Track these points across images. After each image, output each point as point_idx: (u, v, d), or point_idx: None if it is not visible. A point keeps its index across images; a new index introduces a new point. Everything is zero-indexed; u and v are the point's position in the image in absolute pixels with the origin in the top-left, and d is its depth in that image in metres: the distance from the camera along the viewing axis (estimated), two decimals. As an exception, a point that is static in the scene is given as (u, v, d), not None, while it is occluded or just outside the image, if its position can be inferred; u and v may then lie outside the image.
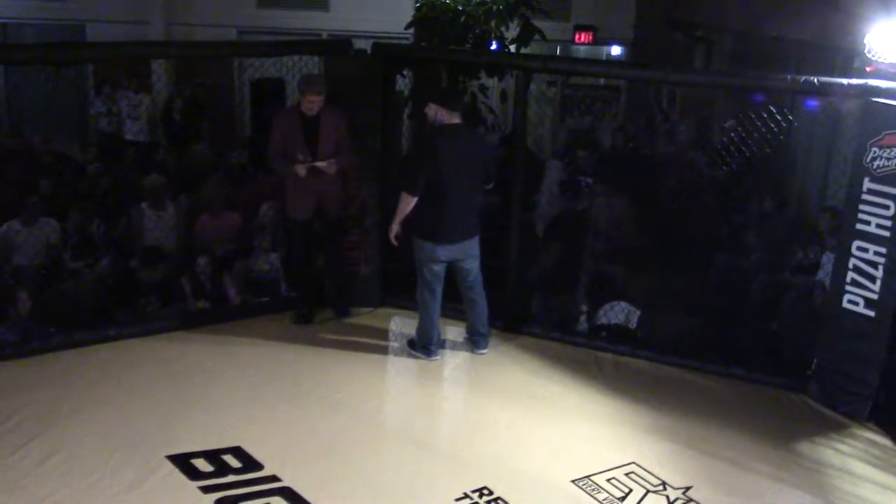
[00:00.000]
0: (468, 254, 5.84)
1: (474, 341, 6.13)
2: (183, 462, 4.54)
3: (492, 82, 8.24)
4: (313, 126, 6.03)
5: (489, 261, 7.38)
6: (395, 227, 5.74)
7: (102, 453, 4.57)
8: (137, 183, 7.68)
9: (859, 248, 5.45)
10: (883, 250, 5.34)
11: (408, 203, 5.64)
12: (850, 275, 5.50)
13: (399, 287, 6.71)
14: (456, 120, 5.70)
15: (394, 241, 5.80)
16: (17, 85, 12.93)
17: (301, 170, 5.97)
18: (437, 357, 5.98)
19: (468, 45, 7.99)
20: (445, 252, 5.75)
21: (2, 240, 6.73)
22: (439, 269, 5.82)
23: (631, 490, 4.62)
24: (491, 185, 5.98)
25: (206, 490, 4.32)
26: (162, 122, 10.79)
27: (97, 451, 4.59)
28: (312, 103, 6.00)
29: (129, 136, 10.68)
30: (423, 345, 5.98)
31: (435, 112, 5.66)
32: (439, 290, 5.88)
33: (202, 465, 4.54)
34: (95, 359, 5.73)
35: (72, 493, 4.22)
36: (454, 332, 6.53)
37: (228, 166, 8.64)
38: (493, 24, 8.06)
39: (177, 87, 10.98)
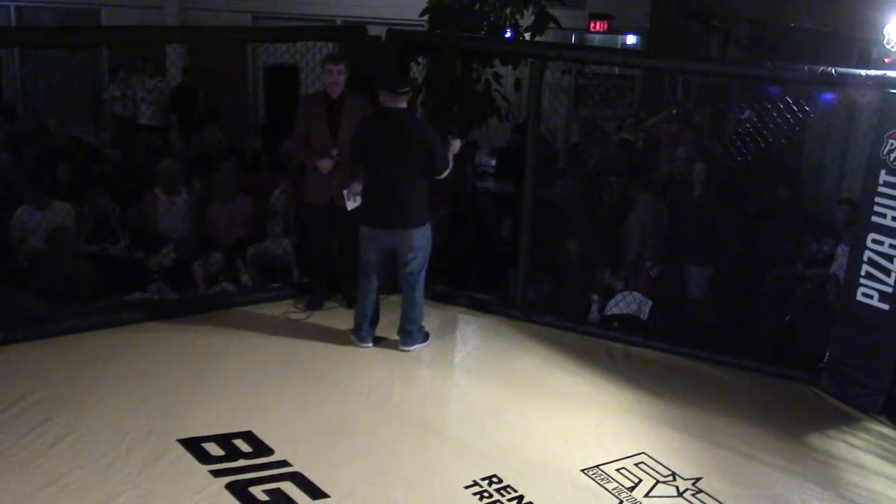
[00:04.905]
0: (405, 245, 5.68)
1: (400, 337, 5.98)
2: (194, 445, 4.57)
3: (506, 70, 8.20)
4: (337, 111, 6.06)
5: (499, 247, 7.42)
6: (344, 191, 5.98)
7: (115, 435, 4.60)
8: (151, 167, 7.70)
9: (874, 241, 5.42)
10: (898, 243, 5.31)
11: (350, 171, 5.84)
12: (865, 267, 5.47)
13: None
14: (399, 104, 5.60)
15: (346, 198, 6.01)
16: (33, 68, 12.97)
17: (325, 165, 6.01)
18: (369, 345, 5.92)
19: (483, 33, 7.96)
20: (380, 237, 5.68)
21: (17, 223, 6.76)
22: (372, 255, 5.75)
23: (641, 480, 4.62)
24: (443, 176, 5.75)
25: (217, 474, 4.34)
26: (170, 108, 10.82)
27: (110, 433, 4.62)
28: (332, 73, 6.02)
29: (143, 121, 10.70)
30: (355, 329, 5.95)
31: (382, 97, 5.63)
32: (373, 276, 5.82)
33: (213, 448, 4.56)
34: (108, 342, 5.77)
35: (84, 474, 4.26)
36: (467, 320, 6.55)
37: (242, 152, 8.66)
38: (508, 11, 8.01)
39: (184, 72, 10.99)
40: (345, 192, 5.98)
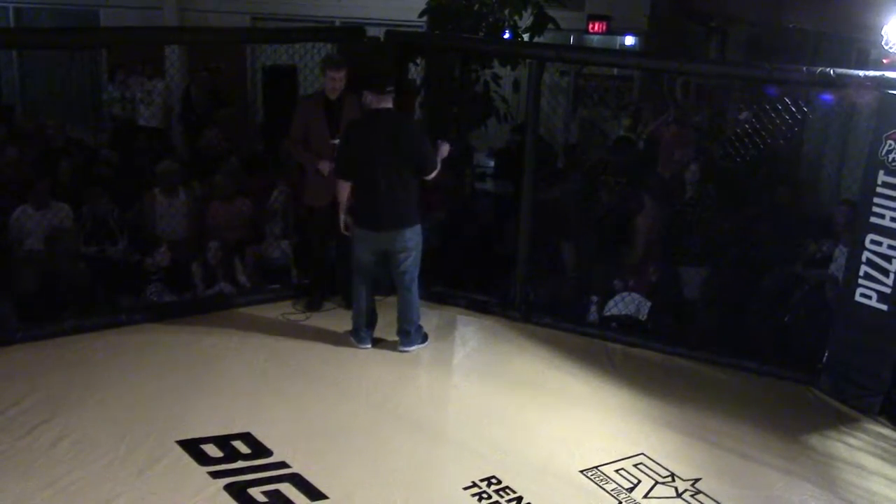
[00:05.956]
0: (397, 245, 5.69)
1: (399, 338, 5.99)
2: (193, 447, 4.57)
3: (505, 71, 8.21)
4: (336, 112, 6.06)
5: (496, 247, 7.41)
6: (341, 216, 5.83)
7: (113, 437, 4.60)
8: (150, 169, 7.69)
9: (873, 242, 5.42)
10: (897, 243, 5.31)
11: (341, 187, 5.74)
12: (864, 268, 5.47)
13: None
14: (385, 105, 5.61)
15: (343, 231, 5.86)
16: (32, 69, 12.96)
17: (327, 167, 6.01)
18: (368, 346, 5.93)
19: (481, 34, 7.96)
20: (372, 239, 5.70)
21: (15, 223, 6.75)
22: (367, 257, 5.77)
23: (639, 481, 4.62)
24: (430, 177, 5.75)
25: (216, 475, 4.34)
26: (182, 108, 10.78)
27: (108, 434, 4.62)
28: (333, 80, 6.04)
29: (142, 122, 10.68)
30: (353, 330, 5.97)
31: (368, 98, 5.64)
32: (367, 277, 5.84)
33: (212, 450, 4.56)
34: (106, 344, 5.77)
35: (82, 476, 4.25)
36: (466, 321, 6.54)
37: (241, 153, 8.65)
38: (506, 12, 8.03)
39: (191, 73, 10.97)
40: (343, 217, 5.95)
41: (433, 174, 5.75)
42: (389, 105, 5.65)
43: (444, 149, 5.88)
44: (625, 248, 7.06)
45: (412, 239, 5.71)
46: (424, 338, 6.07)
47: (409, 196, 5.67)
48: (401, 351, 5.94)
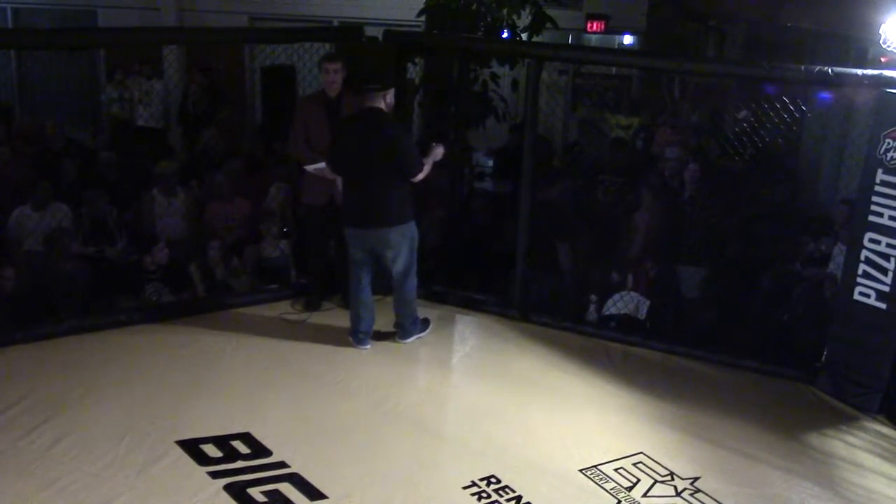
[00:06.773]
0: (381, 243, 5.69)
1: (397, 331, 6.03)
2: (192, 447, 4.56)
3: (503, 70, 8.21)
4: (336, 111, 6.05)
5: (495, 247, 7.42)
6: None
7: (112, 438, 4.59)
8: (149, 169, 7.70)
9: (871, 240, 5.42)
10: (895, 242, 5.30)
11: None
12: (862, 267, 5.47)
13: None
14: (369, 104, 5.56)
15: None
16: (30, 70, 12.96)
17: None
18: (367, 346, 5.91)
19: (480, 33, 7.96)
20: (359, 237, 5.71)
21: (14, 225, 6.75)
22: (356, 254, 5.77)
23: (639, 480, 4.62)
24: (415, 179, 5.67)
25: (215, 476, 4.34)
26: (181, 108, 10.77)
27: (107, 435, 4.62)
28: (328, 73, 6.04)
29: (140, 123, 10.69)
30: (352, 331, 5.95)
31: (351, 98, 5.71)
32: (361, 275, 5.81)
33: (211, 450, 4.56)
34: (105, 344, 5.77)
35: (81, 477, 4.25)
36: (464, 320, 6.54)
37: (241, 153, 8.65)
38: (504, 11, 8.02)
39: (189, 73, 10.96)
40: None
41: (419, 176, 5.68)
42: (373, 104, 5.57)
43: (439, 152, 5.84)
44: (622, 245, 7.06)
45: (396, 237, 5.67)
46: (425, 326, 6.08)
47: (392, 196, 5.60)
48: (398, 342, 5.98)
